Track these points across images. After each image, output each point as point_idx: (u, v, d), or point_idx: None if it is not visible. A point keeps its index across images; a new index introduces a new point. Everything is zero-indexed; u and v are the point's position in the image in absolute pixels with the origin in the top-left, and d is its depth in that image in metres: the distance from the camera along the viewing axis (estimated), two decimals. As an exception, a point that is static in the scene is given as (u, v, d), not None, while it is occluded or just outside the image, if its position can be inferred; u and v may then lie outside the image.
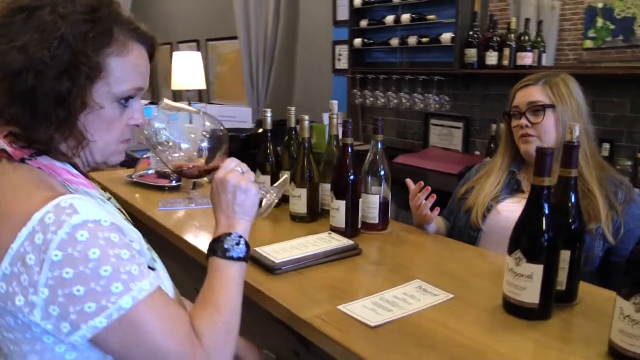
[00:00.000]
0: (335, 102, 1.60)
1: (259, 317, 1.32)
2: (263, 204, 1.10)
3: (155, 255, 0.93)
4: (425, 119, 3.52)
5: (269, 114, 1.73)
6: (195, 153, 1.01)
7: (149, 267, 0.84)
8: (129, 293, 0.73)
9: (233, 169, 0.97)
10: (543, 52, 2.85)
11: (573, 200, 1.06)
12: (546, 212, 1.00)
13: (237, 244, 0.92)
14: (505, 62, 2.88)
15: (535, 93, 1.53)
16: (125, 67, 0.83)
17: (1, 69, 0.76)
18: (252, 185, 0.97)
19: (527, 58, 2.81)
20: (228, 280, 0.89)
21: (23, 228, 0.72)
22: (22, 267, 0.72)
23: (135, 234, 0.87)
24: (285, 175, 1.16)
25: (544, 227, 0.99)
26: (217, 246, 0.92)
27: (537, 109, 1.52)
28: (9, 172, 0.80)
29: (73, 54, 0.76)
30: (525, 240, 1.00)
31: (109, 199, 0.95)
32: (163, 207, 1.74)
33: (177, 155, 1.00)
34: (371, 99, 3.62)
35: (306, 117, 1.60)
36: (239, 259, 0.91)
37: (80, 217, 0.73)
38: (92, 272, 0.71)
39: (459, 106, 3.28)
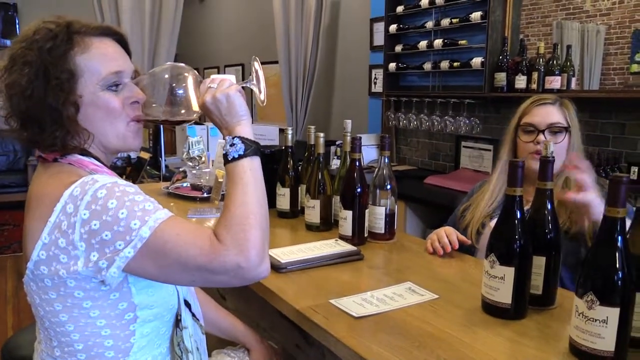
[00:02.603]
0: (349, 121, 1.74)
1: (267, 313, 1.46)
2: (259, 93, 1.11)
3: None
4: (456, 141, 3.59)
5: (290, 132, 1.89)
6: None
7: None
8: (145, 224, 0.87)
9: (206, 91, 1.02)
10: (572, 76, 2.89)
11: (549, 210, 1.15)
12: (519, 219, 1.09)
13: (232, 144, 0.98)
14: (534, 86, 2.94)
15: (555, 114, 1.60)
16: (94, 59, 0.97)
17: (7, 108, 0.96)
18: (227, 90, 1.01)
19: (555, 82, 2.85)
20: (235, 180, 0.96)
21: (57, 204, 0.90)
22: (58, 234, 0.89)
23: None
24: (255, 58, 1.11)
25: (516, 233, 1.09)
26: (223, 156, 1.01)
27: (558, 130, 1.59)
28: (46, 169, 0.99)
29: (45, 69, 0.93)
30: (499, 244, 1.10)
31: None
32: (192, 215, 1.91)
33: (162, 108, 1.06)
34: (404, 121, 3.73)
35: (321, 134, 1.74)
36: (239, 157, 0.97)
37: (100, 183, 0.90)
38: (112, 218, 0.87)
39: (489, 129, 3.34)
